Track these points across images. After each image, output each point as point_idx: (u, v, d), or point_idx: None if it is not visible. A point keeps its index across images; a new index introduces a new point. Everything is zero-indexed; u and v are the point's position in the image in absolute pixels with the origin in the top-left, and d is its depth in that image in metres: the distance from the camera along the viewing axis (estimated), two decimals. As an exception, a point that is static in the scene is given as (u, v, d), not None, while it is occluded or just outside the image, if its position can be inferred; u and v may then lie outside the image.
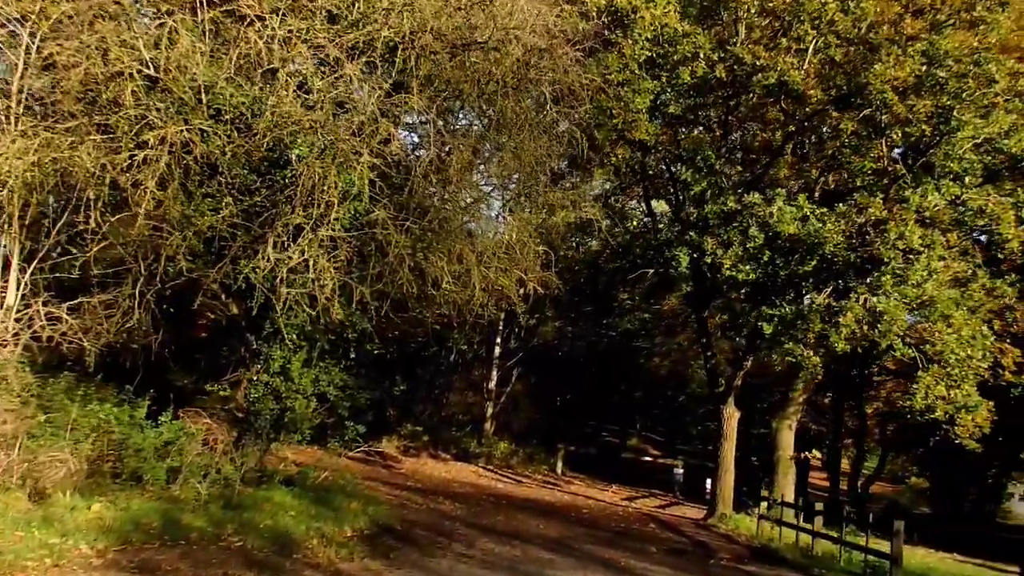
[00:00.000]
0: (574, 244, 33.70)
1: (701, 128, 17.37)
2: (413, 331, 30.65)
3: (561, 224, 30.74)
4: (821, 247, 13.96)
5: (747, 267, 15.30)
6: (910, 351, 15.51)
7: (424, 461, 25.87)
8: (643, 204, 21.96)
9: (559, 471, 30.16)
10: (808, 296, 15.50)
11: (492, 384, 30.67)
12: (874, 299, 13.79)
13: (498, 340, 30.92)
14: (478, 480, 23.75)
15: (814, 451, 24.12)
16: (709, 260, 15.11)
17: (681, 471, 28.93)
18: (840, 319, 14.05)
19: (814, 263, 14.36)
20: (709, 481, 28.30)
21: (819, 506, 17.45)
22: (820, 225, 14.02)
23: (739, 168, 17.29)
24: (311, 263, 12.05)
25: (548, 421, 38.45)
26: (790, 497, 22.93)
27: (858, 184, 15.91)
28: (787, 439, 23.54)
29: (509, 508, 17.92)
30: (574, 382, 39.51)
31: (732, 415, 20.01)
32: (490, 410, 30.57)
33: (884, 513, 32.73)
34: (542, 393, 36.95)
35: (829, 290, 15.04)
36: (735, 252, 14.89)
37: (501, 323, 31.02)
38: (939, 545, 25.66)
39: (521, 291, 21.38)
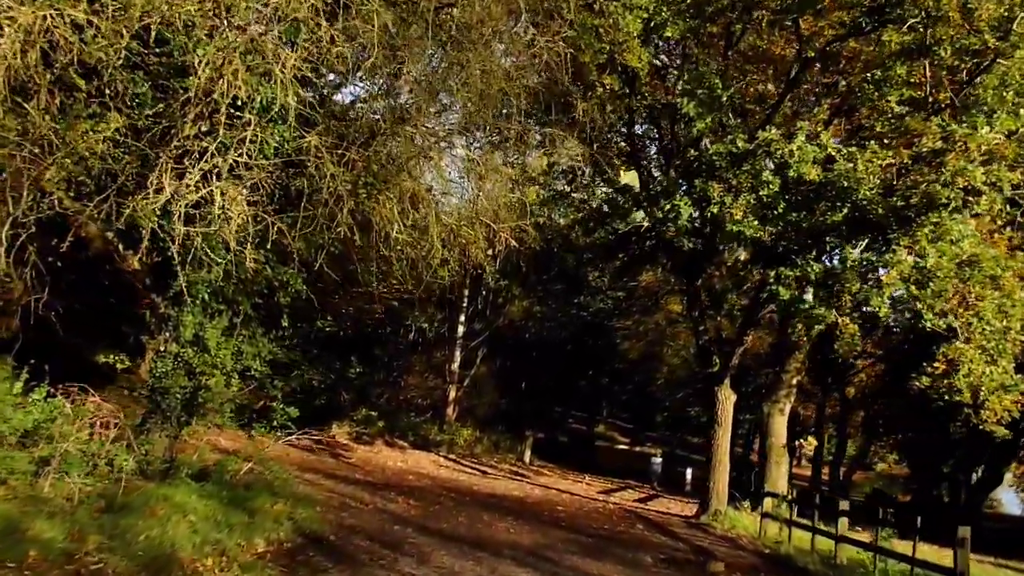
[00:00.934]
0: (544, 217, 31.00)
1: (705, 52, 14.62)
2: (368, 307, 27.74)
3: (538, 169, 27.93)
4: (853, 192, 11.40)
5: (754, 222, 12.63)
6: (940, 321, 12.95)
7: (378, 449, 22.99)
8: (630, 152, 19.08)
9: (527, 460, 27.52)
10: (837, 252, 12.85)
11: (455, 366, 27.85)
12: (923, 253, 11.19)
13: (461, 319, 28.08)
14: (438, 471, 20.94)
15: (809, 438, 21.65)
16: (715, 210, 12.42)
17: (659, 461, 26.49)
18: (883, 277, 11.58)
19: (844, 211, 11.76)
20: (689, 471, 25.90)
21: (841, 505, 14.89)
22: (849, 165, 11.43)
23: (749, 103, 14.59)
24: (216, 196, 9.11)
25: (514, 406, 35.77)
26: (783, 490, 20.52)
27: (883, 126, 13.25)
28: (779, 425, 21.07)
29: (473, 506, 15.18)
30: (542, 365, 36.85)
31: (727, 398, 17.50)
32: (452, 394, 27.75)
33: (868, 502, 30.71)
34: (508, 376, 34.24)
35: (864, 244, 12.45)
36: (746, 200, 12.25)
37: (465, 300, 28.23)
38: (924, 537, 23.63)
39: (490, 251, 18.54)
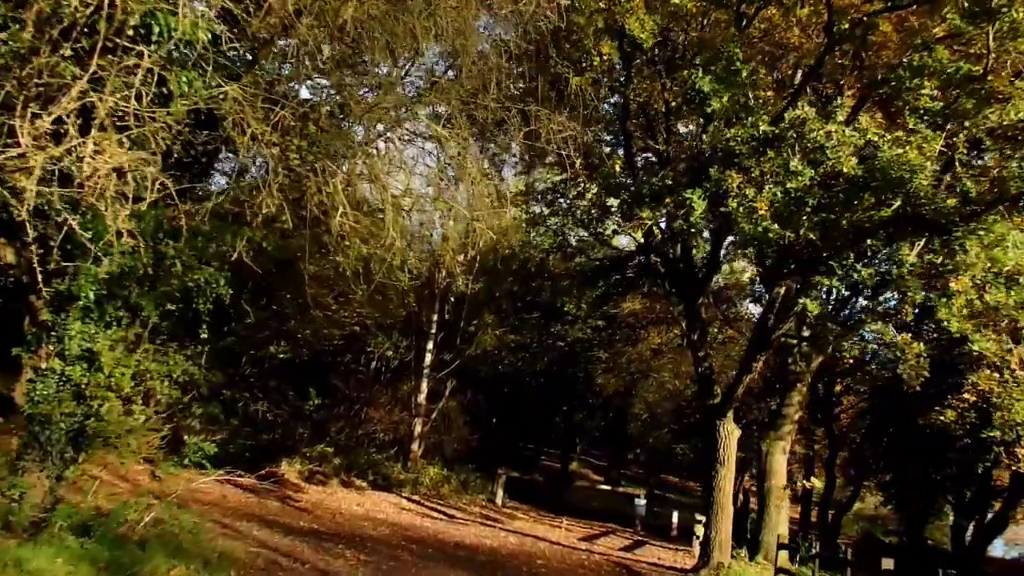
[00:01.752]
0: (521, 237, 28.75)
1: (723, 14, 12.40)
2: (327, 332, 25.04)
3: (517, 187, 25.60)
4: (905, 183, 9.19)
5: (773, 225, 10.35)
6: (990, 344, 10.69)
7: (333, 490, 20.17)
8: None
9: (499, 502, 24.75)
10: (884, 254, 10.55)
11: (421, 398, 25.16)
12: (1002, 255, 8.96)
13: (429, 346, 25.47)
14: (399, 516, 18.18)
15: (813, 479, 19.28)
16: (734, 204, 10.12)
17: (643, 503, 23.87)
18: (952, 282, 9.36)
19: (895, 206, 9.52)
20: (676, 514, 23.37)
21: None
22: (899, 151, 9.25)
23: (765, 90, 12.38)
24: (88, 148, 6.61)
25: (485, 443, 33.02)
26: (785, 537, 18.09)
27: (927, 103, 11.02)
28: (779, 464, 18.69)
29: (437, 561, 12.55)
30: (515, 399, 34.24)
31: (731, 434, 15.10)
32: (418, 428, 25.01)
33: (860, 547, 28.34)
34: (479, 410, 31.53)
35: (921, 244, 10.20)
36: (771, 194, 9.98)
37: (433, 326, 25.64)
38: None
39: (462, 256, 16.12)
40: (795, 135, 9.68)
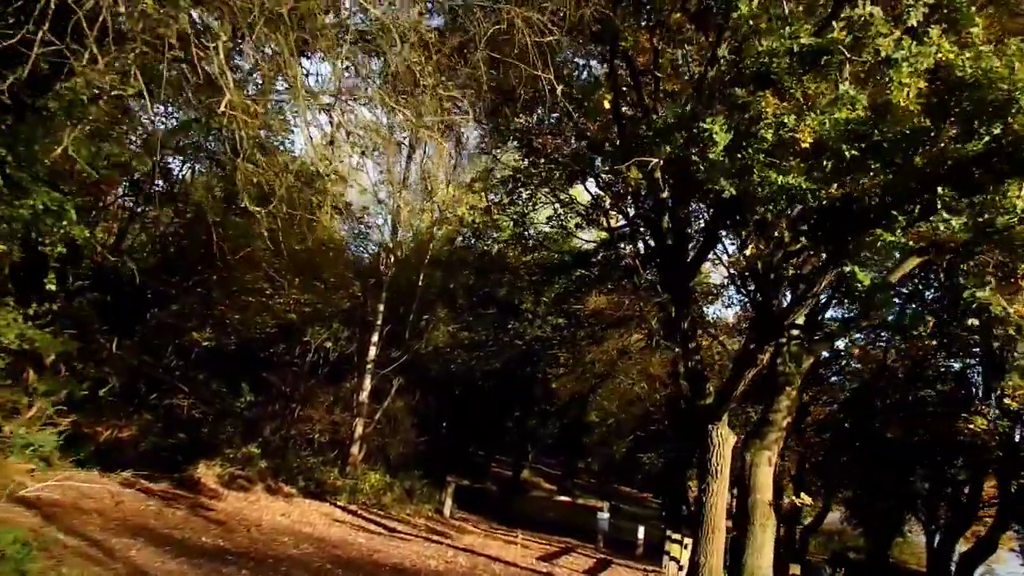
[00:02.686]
0: (478, 225, 26.12)
1: None
2: (260, 319, 21.94)
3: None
4: (1014, 103, 6.83)
5: (797, 179, 7.89)
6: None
7: (256, 498, 17.16)
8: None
9: (448, 512, 21.95)
10: (980, 197, 8.07)
11: (364, 396, 22.25)
12: None
13: (374, 339, 22.57)
14: (329, 530, 15.26)
15: (803, 496, 16.97)
16: (768, 135, 7.64)
17: (607, 516, 21.29)
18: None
19: (997, 130, 7.13)
20: (641, 529, 20.88)
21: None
22: (996, 64, 6.90)
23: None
24: None
25: (434, 448, 30.18)
26: (769, 562, 15.58)
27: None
28: (765, 477, 16.13)
29: (369, 593, 9.72)
30: (467, 401, 31.46)
31: (726, 440, 12.71)
32: (359, 430, 22.09)
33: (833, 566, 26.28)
34: (428, 413, 28.67)
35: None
36: (817, 123, 7.53)
37: (379, 317, 22.75)
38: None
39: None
40: (852, 42, 7.26)
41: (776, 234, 11.05)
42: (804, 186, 8.07)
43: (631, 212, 19.57)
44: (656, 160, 8.87)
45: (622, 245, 28.34)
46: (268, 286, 21.42)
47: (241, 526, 13.72)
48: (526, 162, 26.73)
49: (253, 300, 21.48)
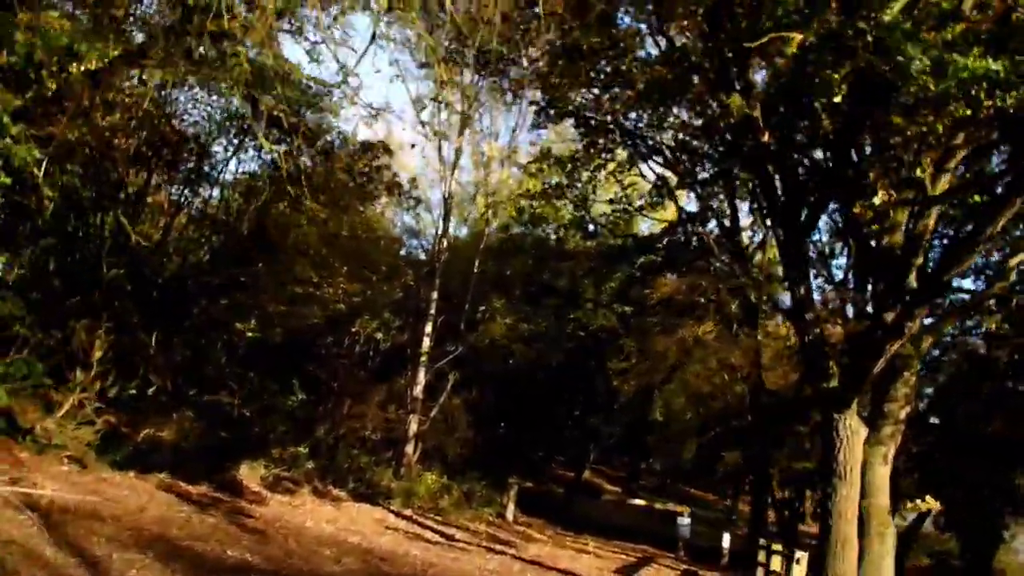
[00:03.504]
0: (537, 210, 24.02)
1: None
2: (307, 311, 20.13)
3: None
4: None
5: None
6: None
7: (301, 502, 15.34)
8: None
9: (511, 517, 19.82)
10: None
11: (418, 391, 20.31)
12: None
13: (427, 330, 20.57)
14: (380, 538, 13.28)
15: (928, 499, 14.25)
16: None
17: (688, 522, 18.84)
18: None
19: None
20: (727, 537, 18.40)
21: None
22: None
23: None
24: None
25: (491, 448, 28.13)
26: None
27: None
28: (882, 479, 13.55)
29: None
30: (526, 398, 29.32)
31: (856, 433, 10.31)
32: (413, 427, 20.16)
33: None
34: (485, 410, 26.58)
35: None
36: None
37: (432, 305, 20.77)
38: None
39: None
40: None
41: (919, 172, 8.62)
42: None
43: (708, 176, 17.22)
44: (785, 52, 6.57)
45: (691, 226, 25.93)
46: (315, 275, 19.69)
47: (279, 535, 11.81)
48: (584, 142, 24.55)
49: (300, 291, 19.75)
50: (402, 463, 19.86)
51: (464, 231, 27.47)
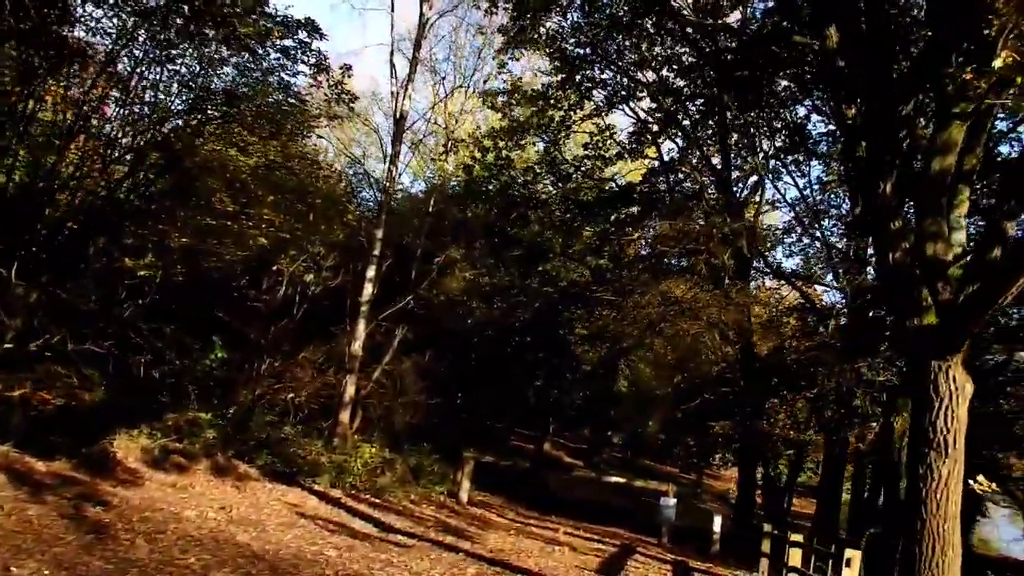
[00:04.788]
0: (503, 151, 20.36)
1: None
2: (220, 246, 16.05)
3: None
4: None
5: None
6: None
7: (191, 481, 11.49)
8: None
9: (465, 497, 16.18)
10: None
11: (356, 346, 16.49)
12: None
13: (370, 274, 16.66)
14: (287, 533, 9.48)
15: (981, 479, 10.84)
16: None
17: (674, 503, 15.35)
18: None
19: None
20: (718, 520, 15.06)
21: None
22: None
23: None
24: None
25: (448, 417, 24.47)
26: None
27: None
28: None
29: None
30: (486, 361, 25.69)
31: (962, 389, 6.77)
32: (350, 390, 16.35)
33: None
34: (440, 375, 22.85)
35: None
36: None
37: (377, 246, 16.91)
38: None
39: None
40: None
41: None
42: None
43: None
44: None
45: (674, 173, 22.42)
46: (233, 204, 15.61)
47: (128, 533, 7.95)
48: (559, 78, 20.85)
49: (215, 223, 15.66)
50: (335, 433, 16.03)
51: (415, 166, 23.52)
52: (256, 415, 14.72)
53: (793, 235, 23.13)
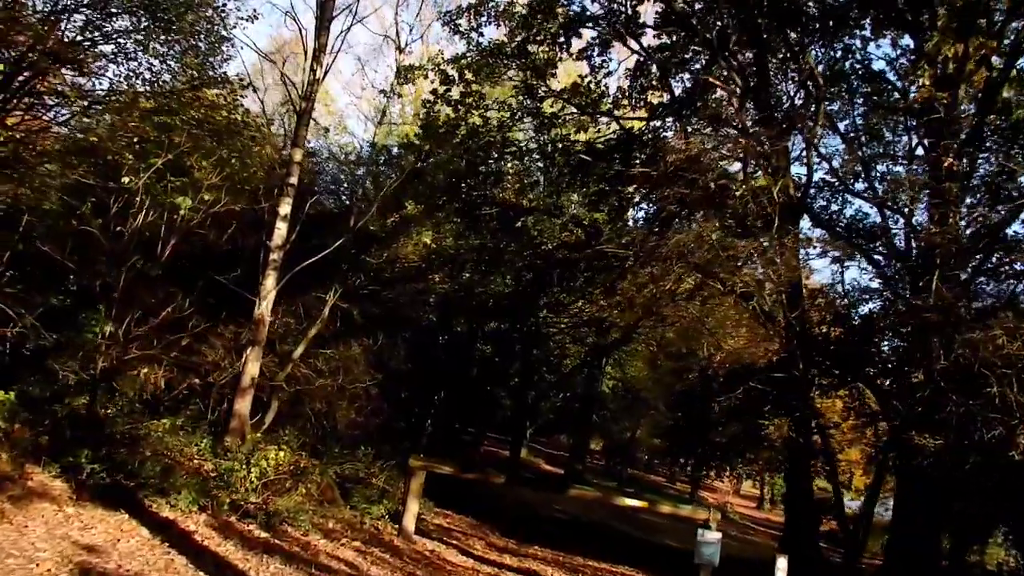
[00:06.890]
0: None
1: None
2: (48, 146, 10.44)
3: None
4: None
5: None
6: None
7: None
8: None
9: (410, 526, 10.74)
10: None
11: (264, 307, 11.12)
12: None
13: (284, 211, 11.33)
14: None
15: None
16: None
17: (717, 537, 9.98)
18: None
19: None
20: (782, 562, 9.86)
21: None
22: None
23: None
24: None
25: (404, 418, 19.10)
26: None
27: None
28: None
29: None
30: (454, 350, 20.40)
31: None
32: (252, 369, 10.92)
33: None
34: (396, 368, 17.39)
35: None
36: None
37: (294, 169, 11.65)
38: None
39: None
40: None
41: None
42: None
43: None
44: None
45: (684, 113, 17.57)
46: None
47: None
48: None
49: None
50: (228, 429, 10.64)
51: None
52: (97, 403, 9.26)
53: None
